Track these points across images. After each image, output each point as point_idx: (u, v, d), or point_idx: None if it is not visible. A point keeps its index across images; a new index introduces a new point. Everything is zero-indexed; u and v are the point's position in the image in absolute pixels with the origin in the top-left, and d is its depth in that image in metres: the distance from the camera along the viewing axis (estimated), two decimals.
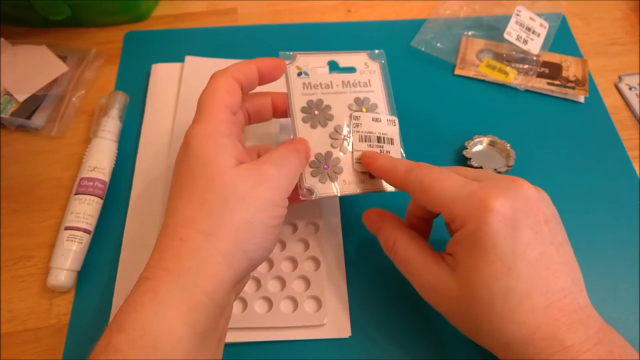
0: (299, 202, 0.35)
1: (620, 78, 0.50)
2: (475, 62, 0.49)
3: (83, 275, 0.37)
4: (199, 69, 0.47)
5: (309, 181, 0.35)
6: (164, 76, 0.47)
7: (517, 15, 0.49)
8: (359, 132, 0.36)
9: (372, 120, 0.36)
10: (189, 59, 0.47)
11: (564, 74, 0.49)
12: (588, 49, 0.52)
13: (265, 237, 0.29)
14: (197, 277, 0.26)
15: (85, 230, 0.37)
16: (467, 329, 0.30)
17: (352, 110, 0.36)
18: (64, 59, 0.48)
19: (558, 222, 0.29)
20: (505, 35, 0.48)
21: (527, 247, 0.27)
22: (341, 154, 0.36)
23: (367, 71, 0.38)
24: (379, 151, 0.36)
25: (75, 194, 0.39)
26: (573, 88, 0.48)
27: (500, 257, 0.27)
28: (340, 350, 0.35)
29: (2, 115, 0.44)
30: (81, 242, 0.37)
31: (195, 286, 0.26)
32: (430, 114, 0.46)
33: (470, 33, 0.52)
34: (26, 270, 0.38)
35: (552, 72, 0.49)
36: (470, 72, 0.49)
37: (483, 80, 0.49)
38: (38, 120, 0.44)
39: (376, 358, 0.35)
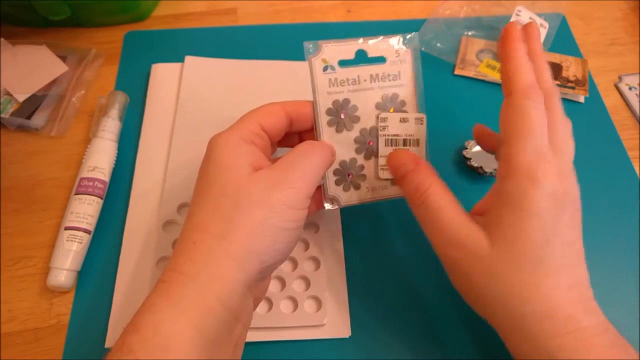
0: (322, 208, 0.35)
1: (620, 78, 0.50)
2: (475, 62, 0.49)
3: (83, 275, 0.37)
4: (199, 69, 0.47)
5: (333, 190, 0.34)
6: (164, 76, 0.47)
7: (517, 15, 0.49)
8: (385, 135, 0.34)
9: (400, 121, 0.34)
10: (189, 59, 0.47)
11: (564, 74, 0.49)
12: (588, 49, 0.52)
13: (278, 240, 0.28)
14: (208, 279, 0.26)
15: (85, 230, 0.37)
16: (482, 295, 0.29)
17: (379, 111, 0.34)
18: (63, 59, 0.48)
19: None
20: None
21: (565, 228, 0.28)
22: (365, 160, 0.34)
23: (398, 60, 0.34)
24: None
25: (75, 194, 0.39)
26: (573, 88, 0.48)
27: (542, 227, 0.27)
28: (340, 350, 0.35)
29: (2, 115, 0.44)
30: (81, 242, 0.37)
31: (206, 289, 0.26)
32: (430, 114, 0.46)
33: (470, 33, 0.52)
34: (26, 270, 0.38)
35: (552, 72, 0.48)
36: (470, 72, 0.49)
37: (483, 80, 0.49)
38: (38, 120, 0.44)
39: (376, 358, 0.35)
